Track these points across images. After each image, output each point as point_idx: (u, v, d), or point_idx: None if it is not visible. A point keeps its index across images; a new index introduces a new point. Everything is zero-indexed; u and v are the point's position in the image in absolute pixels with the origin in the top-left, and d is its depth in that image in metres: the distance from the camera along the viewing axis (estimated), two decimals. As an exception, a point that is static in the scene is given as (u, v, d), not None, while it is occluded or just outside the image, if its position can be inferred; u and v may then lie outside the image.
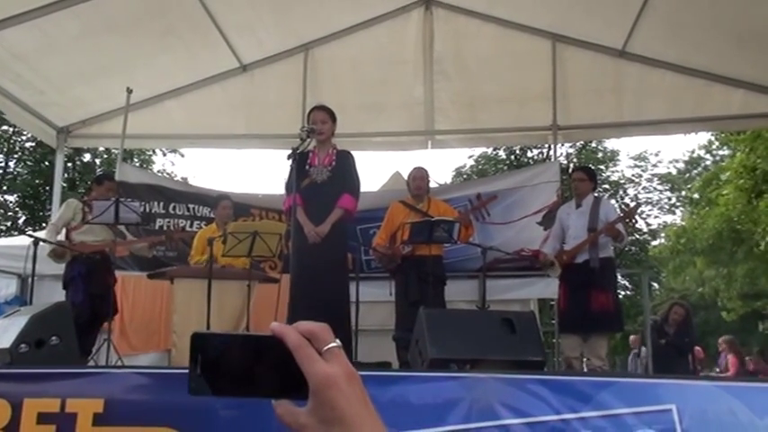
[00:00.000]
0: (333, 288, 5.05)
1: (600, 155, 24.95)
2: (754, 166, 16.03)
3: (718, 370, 12.88)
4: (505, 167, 23.22)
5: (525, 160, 23.68)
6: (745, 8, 6.46)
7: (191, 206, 7.65)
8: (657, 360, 7.71)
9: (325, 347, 0.80)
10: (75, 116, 8.24)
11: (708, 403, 2.55)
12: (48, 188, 18.46)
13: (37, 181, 20.70)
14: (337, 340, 0.82)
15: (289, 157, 4.58)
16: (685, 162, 27.29)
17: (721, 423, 2.49)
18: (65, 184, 13.63)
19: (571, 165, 20.96)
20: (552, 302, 7.89)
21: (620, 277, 20.08)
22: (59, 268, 6.04)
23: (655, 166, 26.49)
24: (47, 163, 19.09)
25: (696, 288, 25.79)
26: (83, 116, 8.26)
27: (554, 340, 7.56)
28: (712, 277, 22.37)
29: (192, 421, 2.68)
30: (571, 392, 2.62)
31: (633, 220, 6.64)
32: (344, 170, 5.24)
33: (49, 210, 12.25)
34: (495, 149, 23.29)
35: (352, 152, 5.49)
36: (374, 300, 6.38)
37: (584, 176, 6.29)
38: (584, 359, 5.90)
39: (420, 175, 6.32)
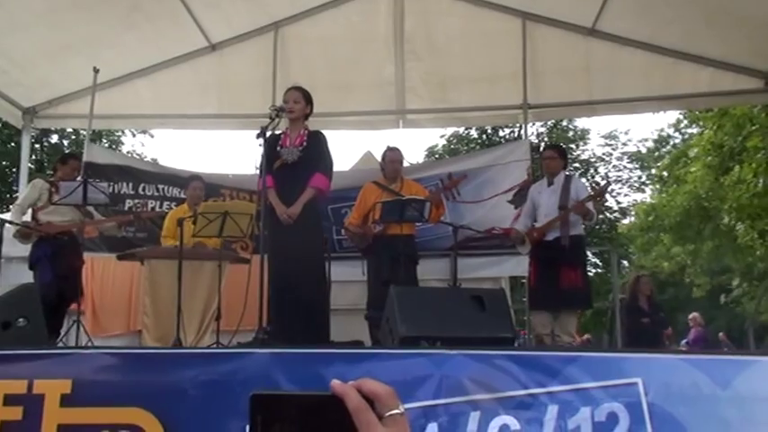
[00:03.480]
0: (307, 267, 5.05)
1: (570, 134, 25.12)
2: (721, 144, 16.23)
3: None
4: (477, 146, 23.29)
5: (497, 139, 23.75)
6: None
7: (161, 187, 7.57)
8: (641, 338, 7.76)
9: (388, 413, 0.78)
10: (41, 96, 8.09)
11: (672, 376, 2.59)
12: (14, 169, 18.17)
13: (3, 162, 20.35)
14: (402, 407, 0.79)
15: (258, 137, 4.55)
16: (654, 141, 27.57)
17: (685, 395, 2.54)
18: (32, 166, 13.44)
19: (542, 143, 21.07)
20: (523, 280, 7.96)
21: (590, 255, 20.26)
22: (26, 249, 5.97)
23: (624, 144, 26.77)
24: (13, 144, 18.77)
25: (663, 264, 26.15)
26: (49, 96, 8.12)
27: (525, 317, 7.63)
28: (679, 254, 22.70)
29: (163, 401, 2.68)
30: (539, 367, 2.65)
31: (603, 199, 6.70)
32: (316, 150, 5.21)
33: (16, 191, 12.06)
34: (466, 129, 23.33)
35: (323, 132, 5.47)
36: (346, 279, 6.40)
37: (555, 154, 6.33)
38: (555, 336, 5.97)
39: (396, 158, 6.34)
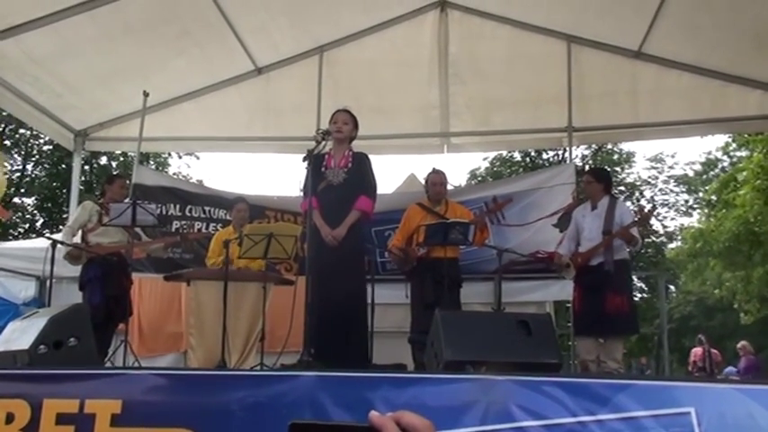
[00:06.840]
0: (349, 290, 5.05)
1: (616, 156, 24.85)
2: (771, 167, 15.92)
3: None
4: (520, 169, 23.18)
5: (540, 162, 23.61)
6: (763, 7, 6.41)
7: (207, 208, 7.67)
8: None
9: None
10: (93, 119, 8.30)
11: (726, 406, 2.53)
12: (65, 191, 18.61)
13: (54, 184, 20.90)
14: None
15: (304, 160, 4.58)
16: (702, 164, 27.11)
17: (740, 426, 2.47)
18: (81, 187, 13.72)
19: (586, 167, 20.87)
20: (568, 305, 7.86)
21: (636, 280, 19.93)
22: (77, 270, 6.07)
23: (671, 167, 26.39)
24: (64, 166, 19.24)
25: (713, 291, 25.60)
26: (100, 119, 8.32)
27: (569, 343, 7.53)
28: (729, 280, 22.19)
29: (210, 423, 2.69)
30: (588, 395, 2.61)
31: (648, 224, 6.61)
32: (361, 172, 5.23)
33: (67, 212, 12.34)
34: (510, 152, 23.23)
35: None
36: (390, 302, 6.37)
37: (592, 179, 6.26)
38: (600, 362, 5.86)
39: (439, 180, 6.33)
